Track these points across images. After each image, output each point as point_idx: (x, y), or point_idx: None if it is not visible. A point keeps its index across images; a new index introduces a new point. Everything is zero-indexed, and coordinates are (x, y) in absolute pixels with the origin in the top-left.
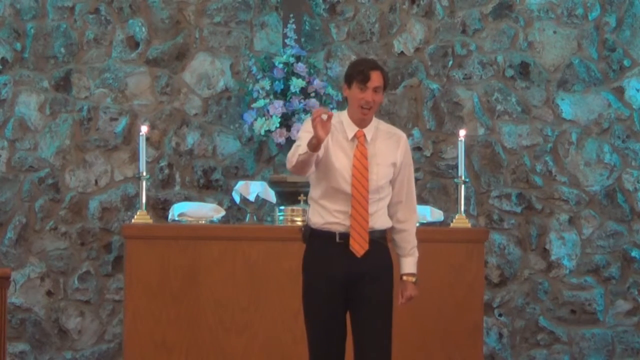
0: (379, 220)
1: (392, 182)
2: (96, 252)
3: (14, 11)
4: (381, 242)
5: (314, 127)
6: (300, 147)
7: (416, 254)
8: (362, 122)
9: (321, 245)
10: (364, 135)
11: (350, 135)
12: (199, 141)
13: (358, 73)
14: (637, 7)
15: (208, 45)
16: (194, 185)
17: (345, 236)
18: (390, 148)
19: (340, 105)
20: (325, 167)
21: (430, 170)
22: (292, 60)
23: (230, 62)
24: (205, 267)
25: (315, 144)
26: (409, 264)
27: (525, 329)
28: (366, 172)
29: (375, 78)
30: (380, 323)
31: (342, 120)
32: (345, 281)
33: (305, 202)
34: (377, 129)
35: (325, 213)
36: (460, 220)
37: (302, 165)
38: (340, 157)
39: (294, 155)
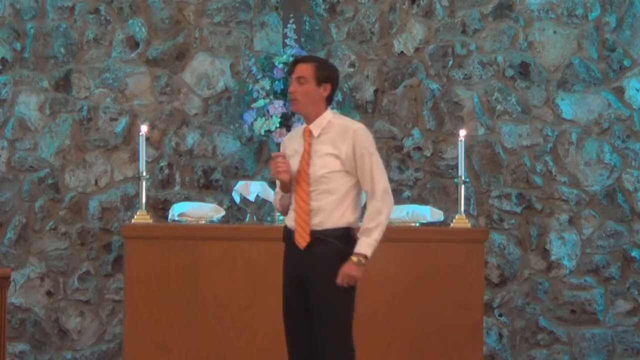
0: (331, 217)
1: (351, 175)
2: (96, 252)
3: (14, 11)
4: (333, 241)
5: (274, 174)
6: (277, 193)
7: (373, 236)
8: (305, 118)
9: (285, 244)
10: (310, 131)
11: (300, 132)
12: (199, 141)
13: (289, 67)
14: (637, 7)
15: (208, 45)
16: (193, 185)
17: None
18: (335, 140)
19: (340, 105)
20: None
21: (430, 170)
22: (292, 60)
23: (230, 62)
24: (205, 267)
25: (282, 186)
26: (359, 244)
27: (525, 329)
28: (307, 167)
29: (298, 69)
30: (326, 331)
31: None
32: (299, 281)
33: None
34: (330, 123)
35: (290, 212)
36: (460, 220)
37: (286, 206)
38: (295, 157)
39: (276, 203)
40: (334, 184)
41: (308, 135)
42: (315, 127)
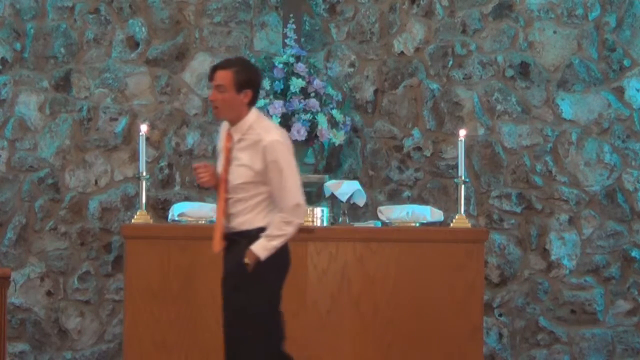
0: (245, 223)
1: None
2: (96, 252)
3: (14, 11)
4: (242, 241)
5: (198, 183)
6: None
7: (273, 243)
8: (230, 122)
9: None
10: (231, 135)
11: (224, 135)
12: (199, 141)
13: (209, 73)
14: (637, 7)
15: (208, 45)
16: (193, 185)
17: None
18: (251, 151)
19: (340, 105)
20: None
21: (430, 170)
22: (292, 60)
23: None
24: (205, 267)
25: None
26: (257, 243)
27: (526, 329)
28: (225, 175)
29: (217, 77)
30: (234, 331)
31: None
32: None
33: (306, 202)
34: (251, 128)
35: None
36: (460, 220)
37: None
38: (220, 157)
39: None
40: (250, 193)
41: (228, 140)
42: (236, 132)
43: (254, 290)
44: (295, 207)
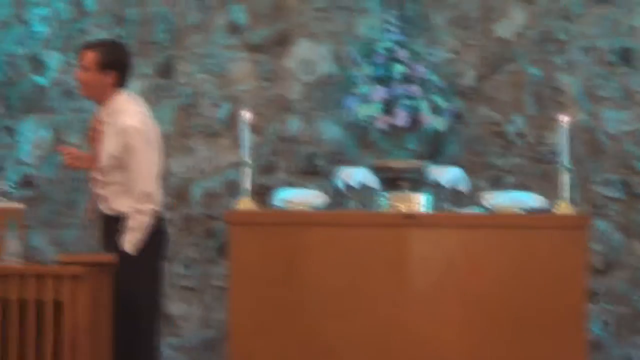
0: (113, 205)
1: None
2: (200, 238)
3: None
4: (118, 229)
5: (67, 165)
6: None
7: (135, 235)
8: (97, 103)
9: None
10: (99, 118)
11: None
12: (301, 127)
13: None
14: None
15: (309, 30)
16: (296, 171)
17: None
18: (112, 136)
19: (442, 91)
20: None
21: (532, 156)
22: (393, 46)
23: (332, 47)
24: (308, 253)
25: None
26: (125, 241)
27: (630, 317)
28: (95, 157)
29: (83, 57)
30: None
31: None
32: None
33: (408, 188)
34: (115, 112)
35: None
36: (563, 207)
37: None
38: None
39: None
40: (113, 177)
41: (97, 120)
42: (103, 114)
43: (137, 281)
44: (145, 195)
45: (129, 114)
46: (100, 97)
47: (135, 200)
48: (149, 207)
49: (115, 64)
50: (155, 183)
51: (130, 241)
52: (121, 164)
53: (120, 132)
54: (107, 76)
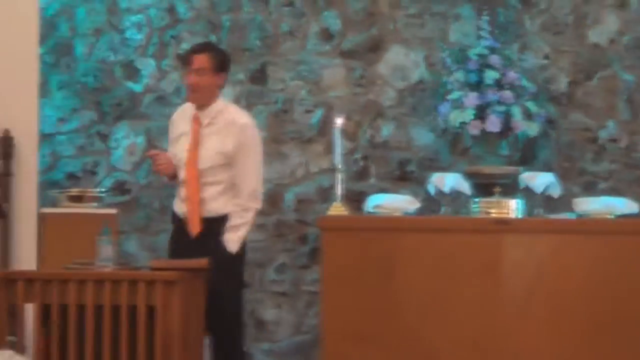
0: (214, 206)
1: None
2: (292, 243)
3: (209, 4)
4: (216, 230)
5: (155, 171)
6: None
7: (239, 233)
8: (198, 105)
9: (173, 228)
10: (199, 119)
11: (189, 115)
12: (394, 133)
13: (185, 57)
14: None
15: (402, 37)
16: (388, 177)
17: (186, 219)
18: (222, 135)
19: (535, 97)
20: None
21: (626, 161)
22: (486, 52)
23: (425, 53)
24: (401, 258)
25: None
26: (226, 240)
27: None
28: (195, 160)
29: (196, 61)
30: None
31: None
32: None
33: (501, 193)
34: (220, 112)
35: (177, 200)
36: None
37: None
38: (183, 138)
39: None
40: (219, 177)
41: (196, 123)
42: (205, 116)
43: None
44: (252, 192)
45: (238, 113)
46: (208, 100)
47: (244, 198)
48: (255, 205)
49: (226, 65)
50: (261, 182)
51: (232, 240)
52: (230, 161)
53: (233, 129)
54: (219, 78)
